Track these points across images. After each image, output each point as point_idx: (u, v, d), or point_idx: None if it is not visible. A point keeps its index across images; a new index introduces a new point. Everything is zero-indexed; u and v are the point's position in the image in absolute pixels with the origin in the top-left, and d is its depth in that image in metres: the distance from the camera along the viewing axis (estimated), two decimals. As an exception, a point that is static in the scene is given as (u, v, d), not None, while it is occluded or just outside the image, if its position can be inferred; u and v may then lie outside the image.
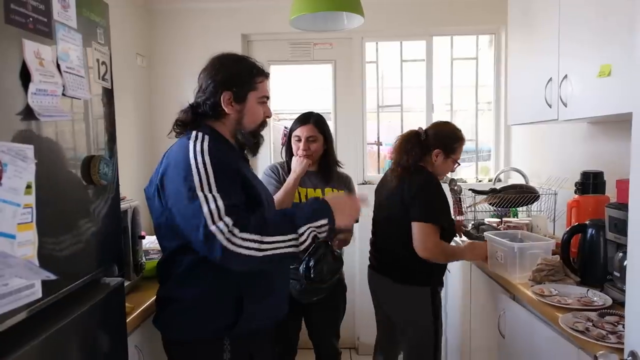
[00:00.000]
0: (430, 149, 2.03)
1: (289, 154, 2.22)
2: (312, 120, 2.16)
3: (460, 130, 2.10)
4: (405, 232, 1.95)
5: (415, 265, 1.97)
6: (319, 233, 1.32)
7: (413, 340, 2.04)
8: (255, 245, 1.24)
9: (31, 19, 0.92)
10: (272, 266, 1.34)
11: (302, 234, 1.28)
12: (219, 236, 1.22)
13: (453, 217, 2.66)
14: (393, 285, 2.04)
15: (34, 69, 0.92)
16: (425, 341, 2.01)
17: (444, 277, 2.16)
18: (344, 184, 2.24)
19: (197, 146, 1.34)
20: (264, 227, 1.27)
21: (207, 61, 1.49)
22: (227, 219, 1.24)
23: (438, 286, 2.05)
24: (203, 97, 1.44)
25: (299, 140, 2.14)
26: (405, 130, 2.33)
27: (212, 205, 1.25)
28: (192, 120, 1.46)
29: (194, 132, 1.40)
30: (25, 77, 0.90)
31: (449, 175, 3.23)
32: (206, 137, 1.38)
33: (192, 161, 1.31)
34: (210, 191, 1.27)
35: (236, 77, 1.44)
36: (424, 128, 2.10)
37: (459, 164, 2.12)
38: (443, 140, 2.04)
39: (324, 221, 1.32)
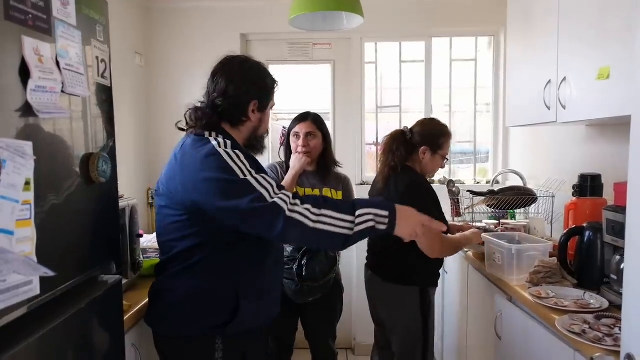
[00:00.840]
0: (416, 147, 2.03)
1: (288, 153, 2.22)
2: (310, 117, 2.18)
3: (445, 126, 2.09)
4: None
5: (402, 265, 1.98)
6: (377, 223, 1.27)
7: (401, 340, 2.05)
8: (311, 216, 1.24)
9: (31, 15, 0.92)
10: (319, 243, 1.32)
11: (361, 215, 1.26)
12: (283, 205, 1.24)
13: (452, 219, 2.67)
14: (382, 283, 2.06)
15: (33, 66, 0.91)
16: (413, 341, 2.01)
17: (439, 279, 2.15)
18: (342, 184, 2.24)
19: (219, 141, 1.35)
20: (321, 203, 1.28)
21: (222, 61, 1.48)
22: (286, 192, 1.28)
23: (428, 286, 2.04)
24: (227, 102, 1.43)
25: (298, 137, 2.16)
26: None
27: (265, 183, 1.27)
28: (212, 119, 1.44)
29: (206, 132, 1.40)
30: (24, 73, 0.90)
31: (446, 176, 3.24)
32: (220, 135, 1.39)
33: (222, 152, 1.31)
34: (252, 174, 1.29)
35: (264, 89, 1.49)
36: (409, 127, 2.10)
37: (447, 159, 2.12)
38: (428, 137, 2.03)
39: (385, 212, 1.28)
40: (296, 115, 2.23)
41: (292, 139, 2.19)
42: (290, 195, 1.27)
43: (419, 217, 1.34)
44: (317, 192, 2.17)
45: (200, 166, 1.31)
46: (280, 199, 1.25)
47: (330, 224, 1.25)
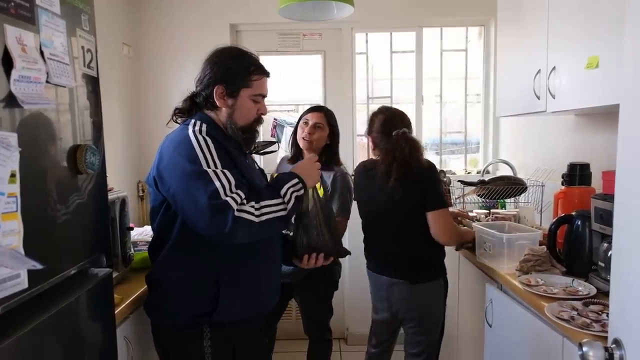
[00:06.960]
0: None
1: (295, 142, 2.29)
2: (323, 110, 2.25)
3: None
4: (417, 227, 1.92)
5: (430, 259, 2.00)
6: (297, 191, 1.41)
7: (429, 332, 2.05)
8: (255, 212, 1.31)
9: (13, 3, 0.90)
10: (268, 233, 1.39)
11: (285, 194, 1.38)
12: (233, 205, 1.28)
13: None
14: (411, 286, 1.96)
15: (16, 55, 0.89)
16: (438, 329, 2.06)
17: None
18: (330, 181, 2.17)
19: (196, 128, 1.40)
20: (256, 194, 1.36)
21: (210, 51, 1.51)
22: (240, 192, 1.31)
23: (446, 274, 2.09)
24: (200, 88, 1.49)
25: (306, 125, 2.20)
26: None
27: (224, 180, 1.31)
28: (189, 108, 1.51)
29: (192, 120, 1.45)
30: (7, 63, 0.88)
31: (437, 166, 3.24)
32: (204, 124, 1.43)
33: (194, 142, 1.36)
34: (217, 167, 1.33)
35: (230, 73, 1.45)
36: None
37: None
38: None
39: (296, 180, 1.43)
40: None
41: (300, 125, 2.24)
42: (243, 195, 1.31)
43: (312, 163, 1.53)
44: None
45: (172, 152, 1.37)
46: (233, 198, 1.29)
47: (270, 212, 1.34)
